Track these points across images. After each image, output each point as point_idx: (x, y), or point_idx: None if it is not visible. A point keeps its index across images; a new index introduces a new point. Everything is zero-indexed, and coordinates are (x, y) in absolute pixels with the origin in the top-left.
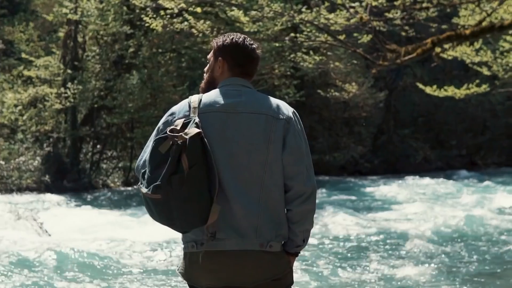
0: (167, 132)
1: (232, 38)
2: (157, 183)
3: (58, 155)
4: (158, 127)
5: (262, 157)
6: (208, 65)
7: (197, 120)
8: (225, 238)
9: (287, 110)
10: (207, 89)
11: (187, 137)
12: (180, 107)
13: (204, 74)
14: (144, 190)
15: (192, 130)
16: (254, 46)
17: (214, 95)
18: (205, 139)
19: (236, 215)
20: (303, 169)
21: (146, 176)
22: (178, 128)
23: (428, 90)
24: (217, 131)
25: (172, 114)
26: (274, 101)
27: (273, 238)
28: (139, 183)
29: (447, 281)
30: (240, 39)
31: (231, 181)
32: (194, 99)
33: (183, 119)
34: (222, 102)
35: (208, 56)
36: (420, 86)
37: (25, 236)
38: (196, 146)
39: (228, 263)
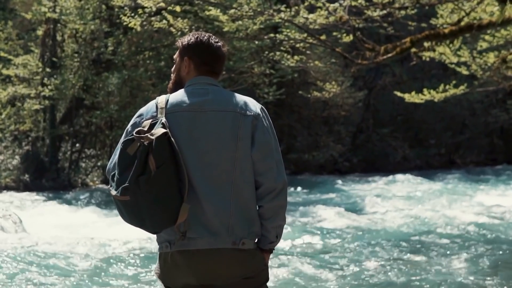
0: (134, 133)
1: (197, 37)
2: (125, 184)
3: (37, 154)
4: (127, 130)
5: (231, 155)
6: (174, 65)
7: (163, 120)
8: (197, 237)
9: (255, 106)
10: (174, 89)
11: (153, 137)
12: (147, 109)
13: (171, 75)
14: (113, 192)
15: (158, 131)
16: (219, 44)
17: (181, 95)
18: (173, 139)
19: (208, 214)
20: (273, 165)
21: (115, 178)
22: (145, 129)
23: (407, 96)
24: (184, 130)
25: (140, 115)
26: (242, 98)
27: (245, 235)
28: (109, 185)
29: (424, 279)
30: (205, 37)
31: (201, 180)
32: (161, 99)
33: (151, 120)
34: (189, 101)
35: (174, 56)
36: (399, 94)
37: (3, 234)
38: (162, 146)
39: (200, 262)
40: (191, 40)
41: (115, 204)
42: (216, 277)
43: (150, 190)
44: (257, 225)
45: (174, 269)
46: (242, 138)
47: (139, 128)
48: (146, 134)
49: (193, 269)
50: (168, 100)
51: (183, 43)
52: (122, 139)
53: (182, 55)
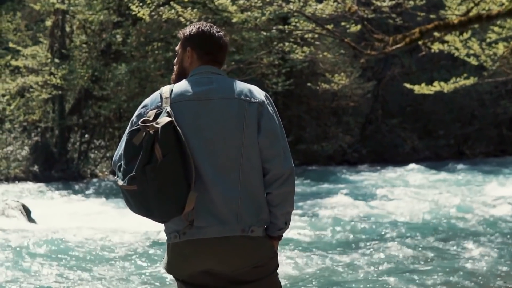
0: (139, 123)
1: (199, 27)
2: (132, 174)
3: (46, 144)
4: (132, 120)
5: (238, 142)
6: (177, 57)
7: (168, 109)
8: (206, 226)
9: (259, 94)
10: (178, 80)
11: (158, 126)
12: (152, 99)
13: (174, 66)
14: (120, 182)
15: (163, 119)
16: (221, 33)
17: (185, 85)
18: (178, 128)
19: (216, 202)
20: (279, 151)
21: (121, 169)
22: (151, 119)
23: (416, 88)
24: (190, 119)
25: (144, 106)
26: (246, 86)
27: (254, 222)
28: (116, 176)
29: (434, 270)
30: (207, 27)
31: (208, 168)
32: (165, 89)
33: (155, 110)
34: (194, 90)
35: (176, 48)
36: (408, 86)
37: (13, 224)
38: (168, 135)
39: (209, 251)
40: (193, 31)
41: (122, 195)
42: (225, 266)
43: (157, 178)
44: (266, 212)
45: (184, 259)
46: (248, 125)
47: (144, 118)
48: (151, 123)
49: (203, 259)
50: (172, 90)
51: (185, 34)
52: (127, 130)
53: (185, 46)
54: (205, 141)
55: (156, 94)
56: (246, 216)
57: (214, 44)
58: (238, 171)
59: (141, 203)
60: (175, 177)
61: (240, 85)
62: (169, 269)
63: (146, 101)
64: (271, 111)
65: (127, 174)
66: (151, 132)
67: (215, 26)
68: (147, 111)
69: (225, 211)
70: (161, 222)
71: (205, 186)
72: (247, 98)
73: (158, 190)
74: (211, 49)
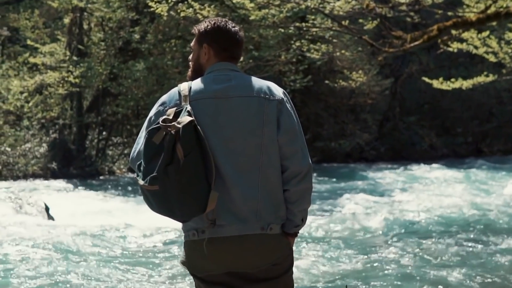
0: (160, 122)
1: (214, 23)
2: (153, 174)
3: (64, 141)
4: (150, 118)
5: (258, 140)
6: (192, 53)
7: (189, 108)
8: (225, 224)
9: (278, 91)
10: (194, 77)
11: (180, 126)
12: (170, 96)
13: (190, 63)
14: (141, 182)
15: (184, 119)
16: (236, 28)
17: (203, 82)
18: (198, 127)
19: (236, 200)
20: (298, 149)
21: (141, 168)
22: (171, 117)
23: (435, 83)
24: (210, 117)
25: (163, 103)
26: (264, 83)
27: (272, 220)
28: (136, 174)
29: (453, 268)
30: (222, 22)
31: (228, 166)
32: (184, 87)
33: (175, 108)
34: (213, 88)
35: (192, 44)
36: (427, 80)
37: (31, 221)
38: (189, 135)
39: (229, 249)
40: (209, 27)
41: (142, 194)
42: (244, 264)
43: (179, 179)
44: (283, 209)
45: (202, 257)
46: (268, 123)
47: (164, 117)
48: (173, 123)
49: (222, 257)
50: (191, 87)
51: (201, 30)
52: (145, 128)
53: (201, 42)
54: (224, 140)
55: (174, 91)
56: (265, 214)
57: (231, 40)
58: (258, 169)
59: (162, 203)
60: (197, 176)
61: (259, 82)
62: (187, 265)
63: (164, 98)
64: (289, 108)
65: (148, 174)
66: (173, 132)
67: (230, 21)
68: (166, 109)
69: (245, 210)
70: (182, 222)
71: (224, 184)
72: (267, 96)
73: (180, 190)
74: (228, 45)
